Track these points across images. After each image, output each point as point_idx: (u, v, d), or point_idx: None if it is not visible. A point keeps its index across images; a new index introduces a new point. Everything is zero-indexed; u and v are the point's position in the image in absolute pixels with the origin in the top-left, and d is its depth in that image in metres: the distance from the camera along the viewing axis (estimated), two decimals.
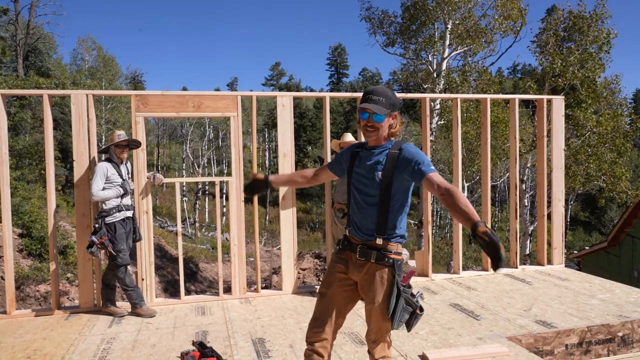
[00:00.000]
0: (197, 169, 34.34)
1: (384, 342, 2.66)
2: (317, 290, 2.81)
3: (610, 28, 14.22)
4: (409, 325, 2.57)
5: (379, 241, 2.53)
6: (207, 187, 35.31)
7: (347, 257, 2.67)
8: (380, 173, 2.51)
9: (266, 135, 50.38)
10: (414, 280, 6.05)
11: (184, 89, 64.27)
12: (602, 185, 14.21)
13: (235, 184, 5.29)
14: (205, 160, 36.48)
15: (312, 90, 66.30)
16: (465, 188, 15.66)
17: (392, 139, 2.59)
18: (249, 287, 5.78)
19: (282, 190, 5.43)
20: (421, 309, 2.57)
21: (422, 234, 13.66)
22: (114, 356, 3.89)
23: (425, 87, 14.79)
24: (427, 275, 6.12)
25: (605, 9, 14.19)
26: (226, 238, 28.19)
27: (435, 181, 2.37)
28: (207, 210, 35.39)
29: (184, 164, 36.49)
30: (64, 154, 22.24)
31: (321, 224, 41.27)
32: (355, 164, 2.65)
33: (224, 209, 33.44)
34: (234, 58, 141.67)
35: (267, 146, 50.64)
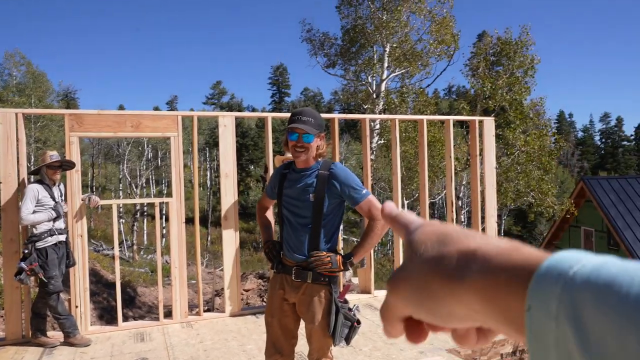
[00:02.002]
0: (134, 189, 33.23)
1: (326, 356, 2.72)
2: (264, 318, 2.84)
3: (534, 54, 15.27)
4: (348, 339, 2.63)
5: None
6: (145, 209, 34.18)
7: (282, 280, 2.69)
8: (312, 195, 2.55)
9: (207, 154, 49.64)
10: (357, 298, 6.13)
11: (121, 107, 62.33)
12: (531, 200, 15.05)
13: (176, 204, 5.19)
14: (144, 181, 35.40)
15: (254, 110, 66.26)
16: (405, 205, 16.09)
17: (319, 159, 2.63)
18: (190, 310, 5.64)
19: (224, 210, 5.38)
20: (358, 322, 2.64)
21: None
22: None
23: (365, 107, 15.19)
24: (369, 292, 6.21)
25: (529, 37, 15.25)
26: (166, 260, 27.31)
27: (365, 209, 2.54)
28: (145, 232, 34.19)
29: (120, 185, 35.20)
30: None
31: None
32: (285, 186, 2.67)
33: (164, 231, 32.47)
34: (174, 76, 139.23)
35: (208, 165, 49.84)
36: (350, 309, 2.64)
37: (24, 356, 4.37)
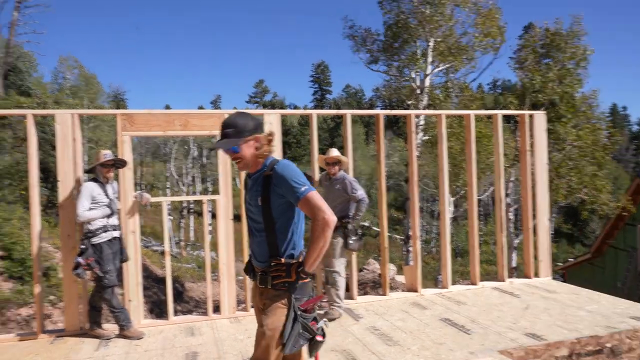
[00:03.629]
0: (181, 187, 34.11)
1: None
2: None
3: (586, 45, 14.62)
4: (310, 352, 2.50)
5: None
6: (192, 206, 35.02)
7: (254, 286, 2.65)
8: (259, 198, 2.45)
9: None
10: (404, 296, 6.05)
11: (167, 107, 64.00)
12: (584, 197, 14.44)
13: (223, 201, 5.27)
14: (190, 179, 36.27)
15: (296, 107, 66.59)
16: (451, 202, 15.79)
17: (264, 160, 2.52)
18: (237, 305, 5.72)
19: None
20: (324, 335, 2.49)
21: (410, 248, 13.70)
22: None
23: (409, 103, 14.97)
24: (416, 291, 6.12)
25: (581, 27, 14.61)
26: (212, 257, 27.92)
27: (306, 208, 2.38)
28: (192, 228, 35.05)
29: (167, 183, 36.21)
30: (45, 174, 21.88)
31: (306, 241, 41.04)
32: (246, 192, 2.63)
33: (210, 227, 33.19)
34: (217, 76, 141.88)
35: None
36: (316, 320, 2.49)
37: (82, 347, 4.55)
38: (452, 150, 13.92)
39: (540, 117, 6.79)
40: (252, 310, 5.47)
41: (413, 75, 15.22)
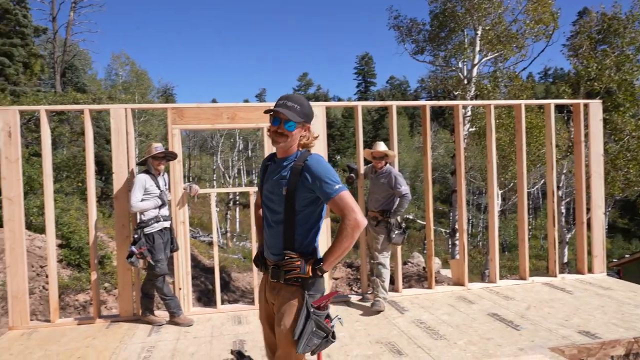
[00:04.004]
0: (227, 179, 34.82)
1: None
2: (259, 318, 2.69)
3: None
4: (315, 351, 2.38)
5: None
6: (237, 198, 35.66)
7: (265, 280, 2.55)
8: (285, 188, 2.35)
9: None
10: (450, 290, 5.97)
11: (214, 101, 65.28)
12: None
13: None
14: (236, 171, 36.96)
15: (340, 100, 66.52)
16: (499, 195, 15.38)
17: (300, 150, 2.43)
18: None
19: None
20: (333, 336, 2.38)
21: (456, 242, 13.46)
22: None
23: (455, 94, 14.66)
24: (463, 284, 6.02)
25: None
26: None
27: (337, 206, 2.29)
28: (237, 220, 35.73)
29: (214, 175, 37.02)
30: (99, 167, 22.89)
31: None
32: (265, 179, 2.50)
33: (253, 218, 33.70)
34: (262, 70, 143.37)
35: None
36: (329, 318, 2.40)
37: (135, 332, 4.75)
38: (501, 142, 13.54)
39: (596, 106, 6.49)
40: None
41: (460, 65, 14.88)
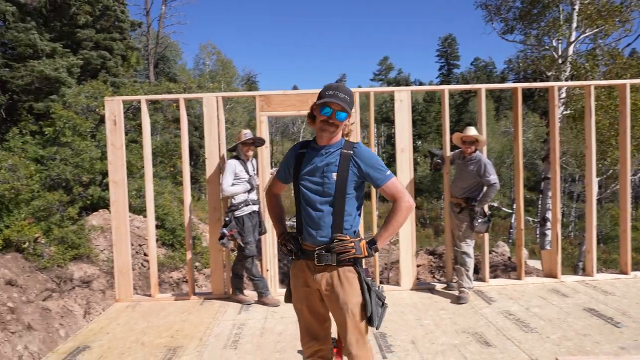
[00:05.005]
0: None
1: (366, 346, 2.54)
2: (293, 306, 2.73)
3: None
4: (379, 322, 2.51)
5: None
6: None
7: (304, 265, 2.56)
8: (334, 174, 2.43)
9: (374, 130, 50.35)
10: (541, 282, 5.70)
11: (295, 87, 66.27)
12: None
13: None
14: None
15: (421, 84, 64.87)
16: (596, 182, 14.33)
17: (343, 138, 2.54)
18: None
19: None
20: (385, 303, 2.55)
21: (546, 231, 12.76)
22: (245, 340, 4.17)
23: (548, 74, 13.75)
24: (555, 277, 5.71)
25: None
26: None
27: (389, 191, 2.47)
28: None
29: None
30: (191, 152, 24.13)
31: (432, 220, 40.33)
32: (304, 166, 2.53)
33: None
34: (341, 56, 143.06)
35: (376, 141, 50.69)
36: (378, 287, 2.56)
37: (226, 310, 5.01)
38: (599, 125, 12.56)
39: None
40: (383, 286, 5.56)
41: (554, 43, 13.91)
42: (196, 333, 4.38)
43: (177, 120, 23.03)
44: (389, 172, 2.48)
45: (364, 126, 30.01)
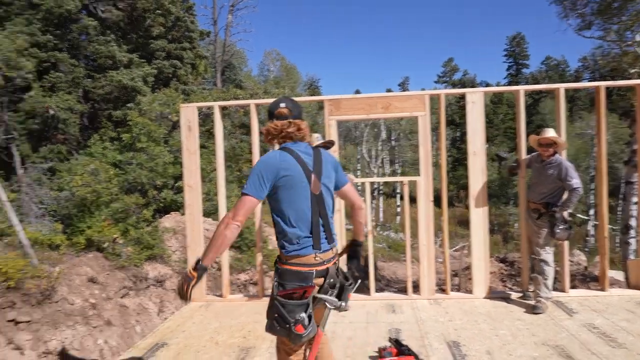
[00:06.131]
0: (372, 169, 35.24)
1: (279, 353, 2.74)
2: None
3: None
4: (292, 342, 2.57)
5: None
6: (381, 187, 35.89)
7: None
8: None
9: (444, 133, 49.22)
10: (628, 295, 5.31)
11: (357, 91, 66.19)
12: None
13: (424, 183, 5.25)
14: (380, 161, 37.20)
15: (487, 85, 62.86)
16: None
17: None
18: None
19: (473, 189, 5.23)
20: (305, 328, 2.47)
21: (630, 240, 11.92)
22: None
23: (632, 71, 12.85)
24: None
25: None
26: (401, 237, 28.29)
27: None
28: (381, 209, 35.99)
29: (358, 165, 37.68)
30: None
31: (500, 226, 38.84)
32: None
33: (398, 209, 33.68)
34: (404, 58, 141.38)
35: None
36: (305, 309, 2.50)
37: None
38: None
39: None
40: (451, 294, 5.41)
41: (638, 38, 13.02)
42: (267, 334, 4.43)
43: (243, 126, 23.70)
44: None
45: (433, 129, 29.51)
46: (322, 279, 2.59)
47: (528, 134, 5.10)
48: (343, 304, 2.58)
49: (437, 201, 5.28)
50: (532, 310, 4.80)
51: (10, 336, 7.80)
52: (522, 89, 5.27)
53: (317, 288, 2.57)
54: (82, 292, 9.34)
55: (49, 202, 10.90)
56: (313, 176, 2.58)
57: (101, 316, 9.21)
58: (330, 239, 2.65)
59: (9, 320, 7.94)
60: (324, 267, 2.59)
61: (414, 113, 5.22)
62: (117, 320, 9.38)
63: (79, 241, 10.27)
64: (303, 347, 2.71)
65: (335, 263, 2.66)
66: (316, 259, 2.57)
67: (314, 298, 2.54)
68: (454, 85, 64.79)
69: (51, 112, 11.89)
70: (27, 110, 11.90)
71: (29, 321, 8.15)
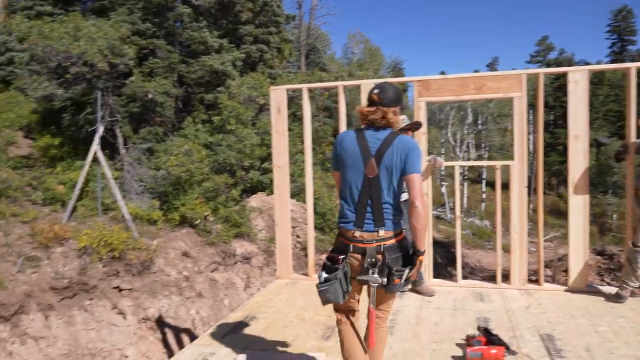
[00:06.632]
0: (457, 153, 34.16)
1: None
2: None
3: None
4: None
5: None
6: (466, 173, 34.71)
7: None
8: None
9: (529, 117, 46.54)
10: None
11: (442, 73, 64.04)
12: None
13: (518, 168, 5.00)
14: (465, 145, 35.95)
15: (587, 64, 58.17)
16: None
17: None
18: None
19: (573, 176, 4.91)
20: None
21: None
22: (400, 327, 4.16)
23: None
24: None
25: None
26: (486, 225, 27.31)
27: None
28: (465, 195, 34.84)
29: (442, 149, 36.67)
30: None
31: (596, 217, 36.24)
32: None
33: (483, 195, 32.48)
34: (493, 38, 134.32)
35: (529, 129, 46.83)
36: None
37: None
38: None
39: None
40: (545, 285, 5.15)
41: None
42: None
43: (326, 109, 23.85)
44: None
45: (529, 110, 27.96)
46: (361, 257, 2.66)
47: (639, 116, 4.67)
48: (384, 280, 2.58)
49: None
50: (615, 298, 4.52)
51: (114, 301, 8.56)
52: (634, 66, 4.81)
53: (357, 265, 2.69)
54: (176, 265, 10.01)
55: (147, 180, 11.71)
56: (372, 160, 2.63)
57: (193, 288, 9.82)
58: (379, 222, 2.66)
59: (113, 287, 8.72)
60: (362, 245, 2.65)
61: (509, 94, 4.95)
62: (207, 293, 9.96)
63: (174, 217, 10.97)
64: (344, 316, 2.89)
65: (379, 245, 2.64)
66: (354, 235, 2.67)
67: (357, 278, 2.67)
68: (548, 65, 60.71)
69: (150, 96, 12.68)
70: (128, 95, 12.79)
71: (130, 289, 8.88)
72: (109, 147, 12.34)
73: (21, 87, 13.84)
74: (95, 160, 10.52)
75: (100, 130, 10.89)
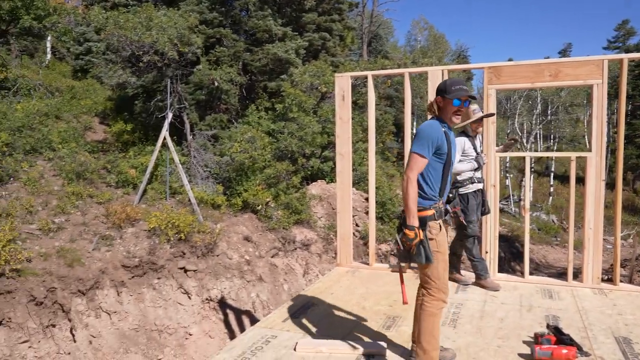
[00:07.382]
0: (524, 144, 32.70)
1: None
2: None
3: None
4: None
5: None
6: (533, 165, 33.22)
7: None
8: None
9: (624, 102, 43.49)
10: None
11: (510, 60, 61.34)
12: None
13: (595, 160, 4.72)
14: (533, 136, 34.35)
15: None
16: None
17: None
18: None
19: None
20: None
21: None
22: (464, 321, 4.06)
23: None
24: None
25: None
26: (552, 220, 26.08)
27: None
28: (532, 188, 33.37)
29: (507, 139, 35.18)
30: (398, 129, 24.46)
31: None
32: (451, 143, 3.16)
33: (552, 189, 31.03)
34: (566, 23, 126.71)
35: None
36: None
37: None
38: None
39: None
40: (620, 285, 4.86)
41: None
42: (413, 304, 4.42)
43: (388, 97, 23.52)
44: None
45: (612, 97, 26.29)
46: None
47: None
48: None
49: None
50: None
51: (180, 282, 8.93)
52: None
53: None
54: (238, 249, 10.28)
55: (212, 165, 12.05)
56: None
57: (254, 272, 10.06)
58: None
59: (179, 268, 9.09)
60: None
61: (589, 81, 4.66)
62: (267, 277, 10.18)
63: (237, 202, 11.24)
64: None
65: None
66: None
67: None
68: (627, 51, 56.68)
69: (215, 84, 12.99)
70: (196, 82, 13.16)
71: (195, 270, 9.23)
72: (177, 133, 12.80)
73: (97, 76, 14.63)
74: (164, 145, 10.95)
75: (169, 116, 11.30)
